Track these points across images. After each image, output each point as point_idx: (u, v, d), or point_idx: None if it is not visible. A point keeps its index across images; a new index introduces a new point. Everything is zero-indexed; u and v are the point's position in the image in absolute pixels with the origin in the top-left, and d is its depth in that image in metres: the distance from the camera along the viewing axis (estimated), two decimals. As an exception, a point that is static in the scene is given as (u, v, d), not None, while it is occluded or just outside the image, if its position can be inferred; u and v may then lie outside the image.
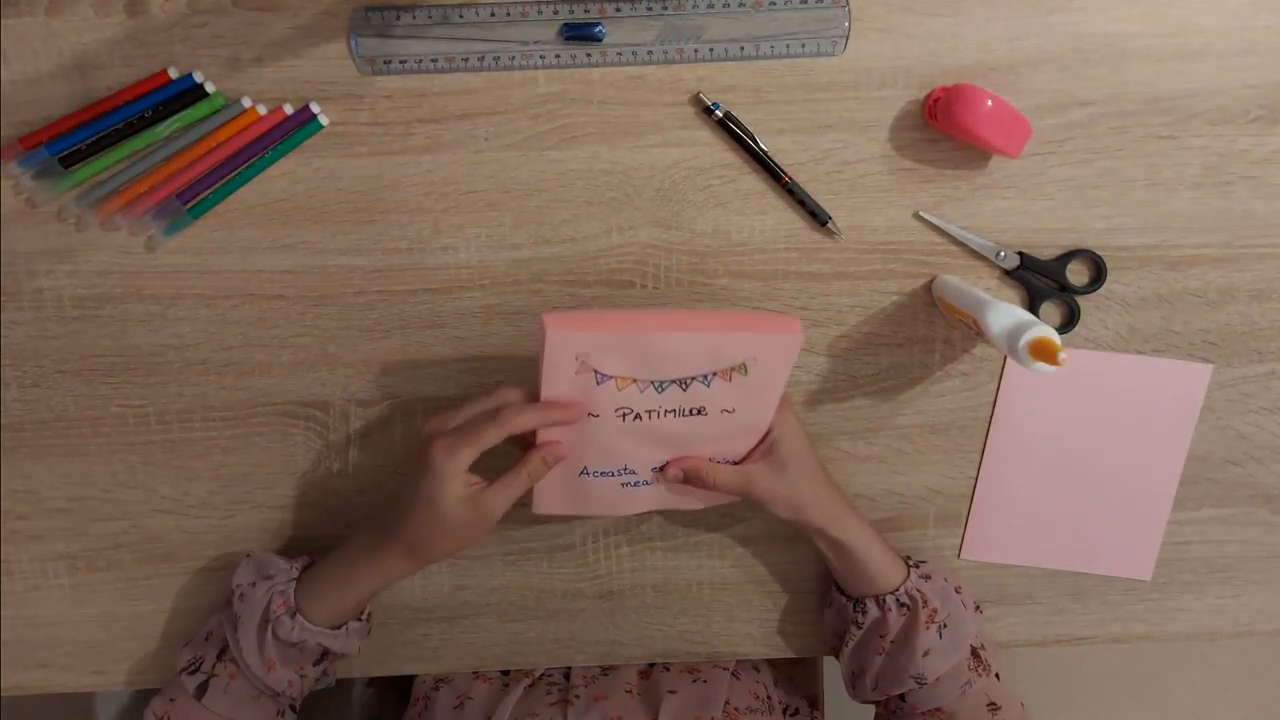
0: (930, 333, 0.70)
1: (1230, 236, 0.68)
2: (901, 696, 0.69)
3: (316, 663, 0.67)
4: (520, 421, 0.58)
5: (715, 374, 0.61)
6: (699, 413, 0.62)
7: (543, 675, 0.78)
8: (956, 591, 0.69)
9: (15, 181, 0.65)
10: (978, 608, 0.71)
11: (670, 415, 0.62)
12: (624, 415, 0.62)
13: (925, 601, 0.67)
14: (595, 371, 0.60)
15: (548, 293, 0.69)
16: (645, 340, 0.59)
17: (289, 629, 0.63)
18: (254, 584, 0.66)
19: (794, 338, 0.60)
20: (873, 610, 0.68)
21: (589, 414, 0.61)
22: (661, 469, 0.65)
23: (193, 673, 0.66)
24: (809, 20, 0.64)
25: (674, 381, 0.61)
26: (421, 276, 0.68)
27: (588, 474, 0.65)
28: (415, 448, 0.64)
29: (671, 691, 0.73)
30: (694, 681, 0.75)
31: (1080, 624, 0.78)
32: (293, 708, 0.70)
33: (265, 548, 0.74)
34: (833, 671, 0.95)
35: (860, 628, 0.69)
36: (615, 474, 0.65)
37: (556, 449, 0.62)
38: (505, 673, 0.80)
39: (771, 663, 0.85)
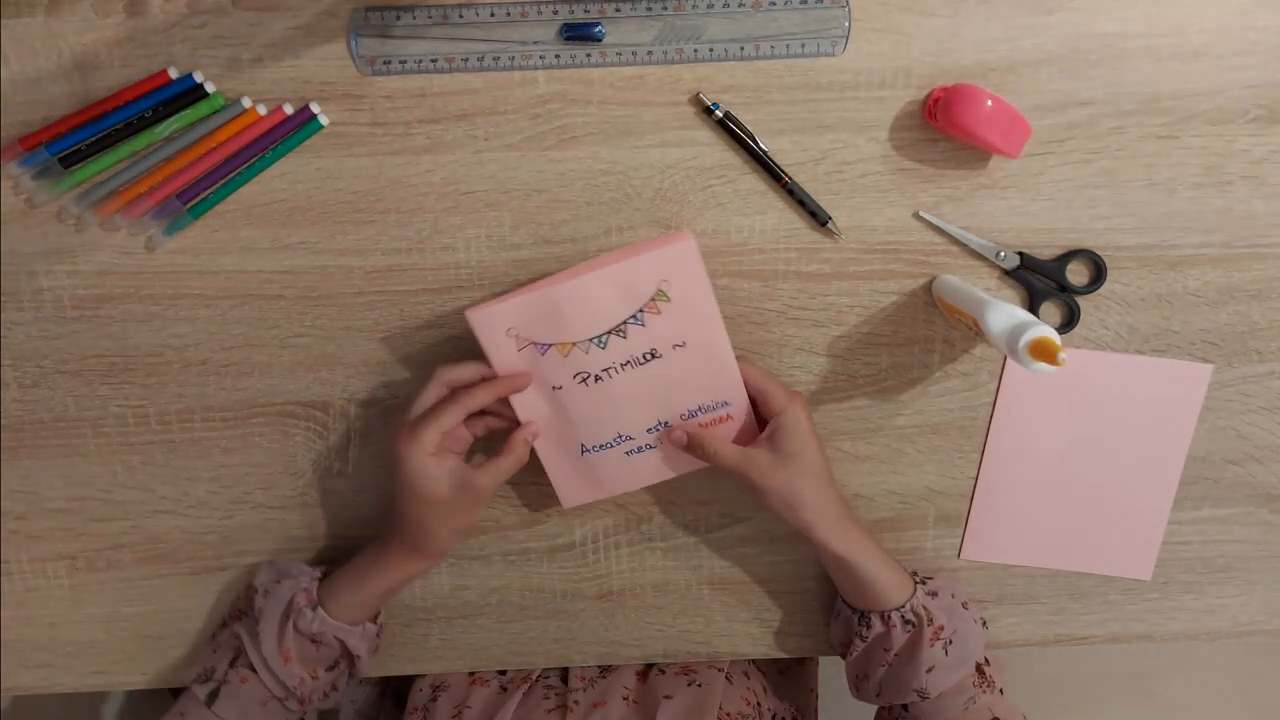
0: (930, 333, 0.70)
1: (1230, 236, 0.68)
2: (905, 706, 0.69)
3: (329, 668, 0.68)
4: (475, 397, 0.62)
5: (641, 311, 0.62)
6: (653, 355, 0.63)
7: (540, 679, 0.78)
8: (964, 608, 0.70)
9: (15, 181, 0.65)
10: (984, 623, 0.71)
11: (628, 367, 0.64)
12: (584, 380, 0.64)
13: (931, 619, 0.67)
14: (533, 344, 0.62)
15: (548, 293, 0.69)
16: (555, 294, 0.61)
17: (309, 620, 0.65)
18: (278, 581, 0.68)
19: (687, 244, 0.60)
20: (877, 625, 0.68)
21: (553, 387, 0.64)
22: (666, 430, 0.66)
23: (204, 682, 0.67)
24: (809, 20, 0.64)
25: (610, 332, 0.62)
26: (421, 276, 0.68)
27: (589, 451, 0.67)
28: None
29: (667, 697, 0.73)
30: (689, 685, 0.75)
31: (1080, 624, 0.78)
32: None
33: (265, 548, 0.74)
34: (828, 675, 0.95)
35: (864, 640, 0.69)
36: (614, 444, 0.67)
37: (533, 426, 0.65)
38: (502, 673, 0.80)
39: (764, 668, 0.85)
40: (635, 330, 0.62)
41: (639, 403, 0.65)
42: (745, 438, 0.68)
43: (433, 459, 0.61)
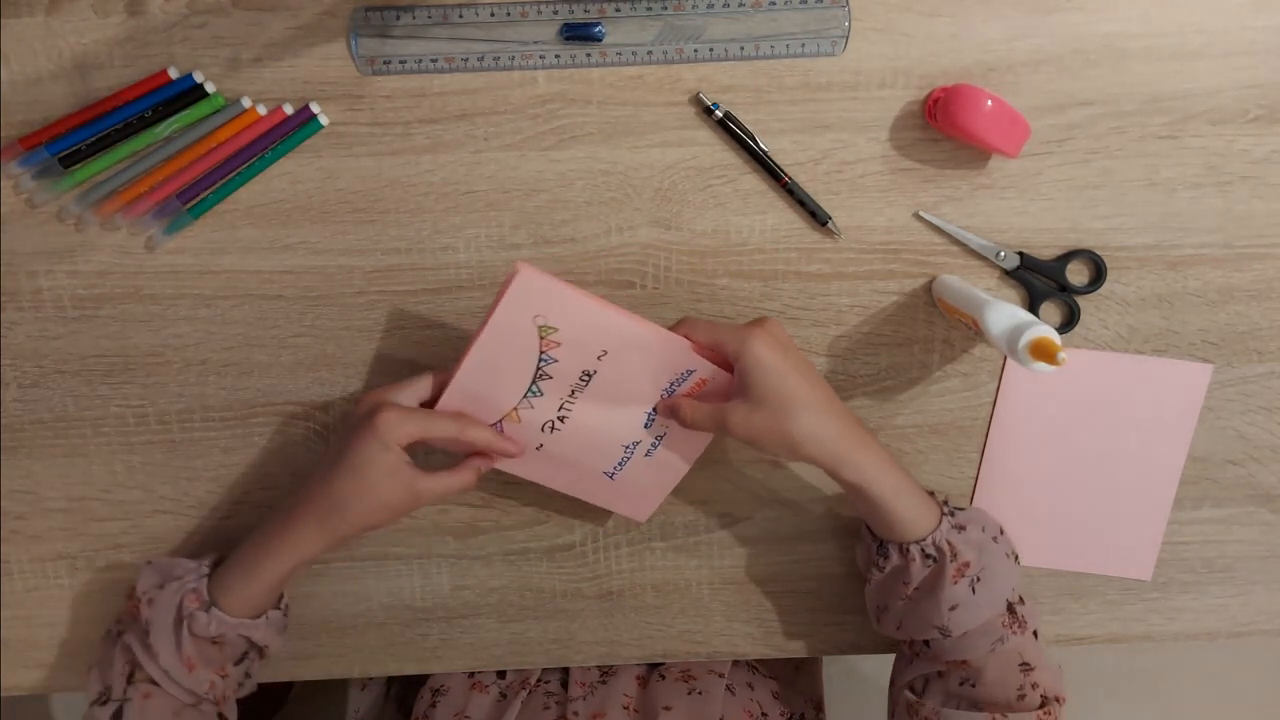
0: (930, 333, 0.70)
1: (1230, 236, 0.68)
2: (926, 642, 0.66)
3: (238, 662, 0.65)
4: (474, 434, 0.60)
5: (543, 353, 0.60)
6: (589, 375, 0.61)
7: (540, 683, 0.78)
8: (995, 542, 0.65)
9: (15, 181, 0.65)
10: (1016, 558, 0.66)
11: (577, 395, 0.62)
12: (552, 428, 0.64)
13: (955, 554, 0.62)
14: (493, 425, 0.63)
15: (548, 293, 0.69)
16: (460, 382, 0.60)
17: (205, 624, 0.61)
18: (160, 586, 0.63)
19: (522, 275, 0.57)
20: (895, 557, 0.63)
21: (536, 448, 0.64)
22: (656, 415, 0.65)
23: (104, 703, 0.63)
24: (809, 20, 0.64)
25: (532, 384, 0.61)
26: (421, 276, 0.68)
27: (617, 472, 0.67)
28: (354, 415, 0.62)
29: (667, 708, 0.73)
30: (690, 694, 0.75)
31: (1080, 624, 0.78)
32: (221, 717, 0.67)
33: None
34: (832, 673, 0.95)
35: (881, 571, 0.65)
36: (629, 455, 0.66)
37: (489, 462, 0.63)
38: (502, 675, 0.80)
39: (768, 678, 0.84)
40: (554, 368, 0.61)
41: (616, 414, 0.64)
42: (730, 392, 0.65)
43: (396, 450, 0.58)
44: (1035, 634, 0.66)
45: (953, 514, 0.65)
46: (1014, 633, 0.63)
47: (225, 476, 0.72)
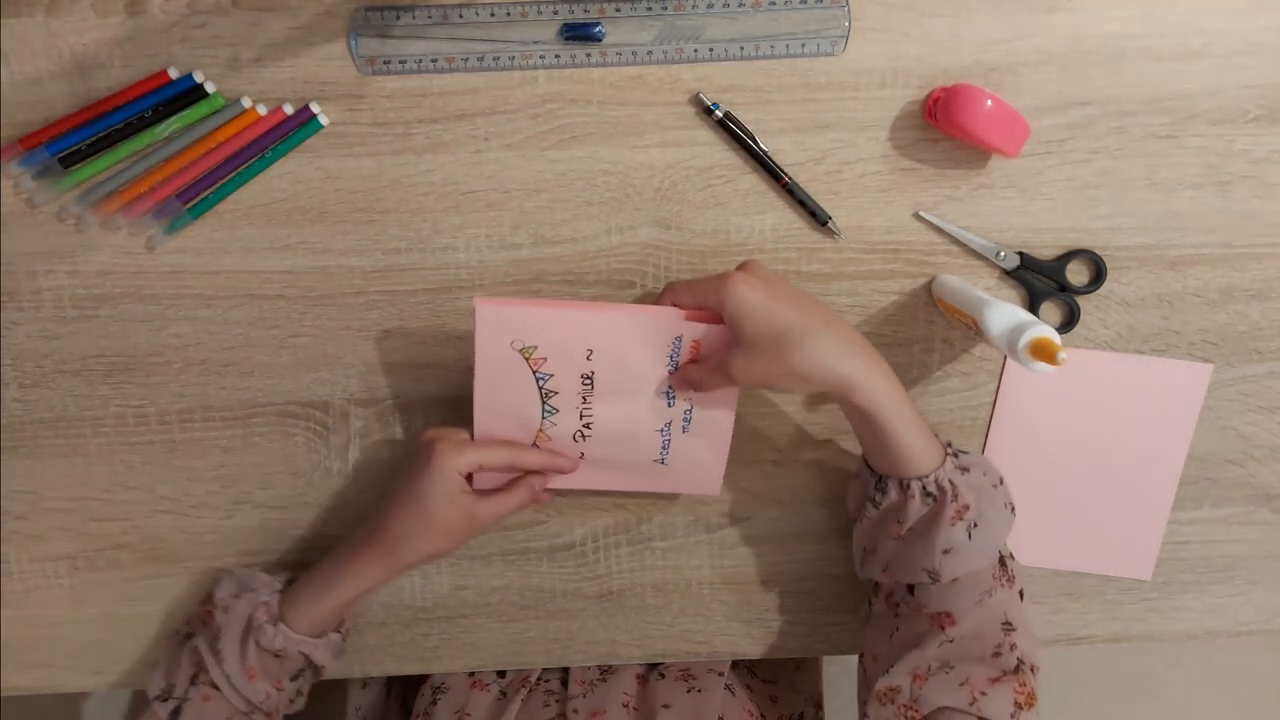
0: (930, 333, 0.70)
1: (1230, 236, 0.68)
2: (910, 589, 0.64)
3: (294, 678, 0.68)
4: (529, 457, 0.65)
5: (534, 373, 0.63)
6: (589, 377, 0.63)
7: (540, 682, 0.78)
8: (994, 489, 0.63)
9: (15, 181, 0.65)
10: (1012, 509, 0.64)
11: (589, 399, 0.64)
12: (582, 435, 0.66)
13: (956, 495, 0.60)
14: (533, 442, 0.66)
15: (548, 293, 0.69)
16: (479, 425, 0.64)
17: (271, 637, 0.64)
18: (237, 596, 0.67)
19: (482, 310, 0.59)
20: (893, 493, 0.61)
21: (580, 456, 0.67)
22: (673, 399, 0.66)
23: (165, 699, 0.66)
24: (809, 20, 0.64)
25: (542, 404, 0.64)
26: (421, 276, 0.68)
27: (664, 456, 0.68)
28: (416, 447, 0.65)
29: (666, 706, 0.73)
30: (689, 692, 0.75)
31: (1080, 624, 0.78)
32: None
33: (265, 548, 0.74)
34: (832, 673, 0.95)
35: (877, 507, 0.63)
36: (666, 435, 0.67)
37: (544, 480, 0.67)
38: (502, 674, 0.80)
39: (767, 680, 0.84)
40: (554, 383, 0.63)
41: (635, 403, 0.65)
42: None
43: (455, 478, 0.62)
44: (1021, 594, 0.64)
45: (956, 455, 0.63)
46: (1002, 586, 0.62)
47: (225, 476, 0.72)
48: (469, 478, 0.64)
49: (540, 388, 0.63)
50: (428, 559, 0.65)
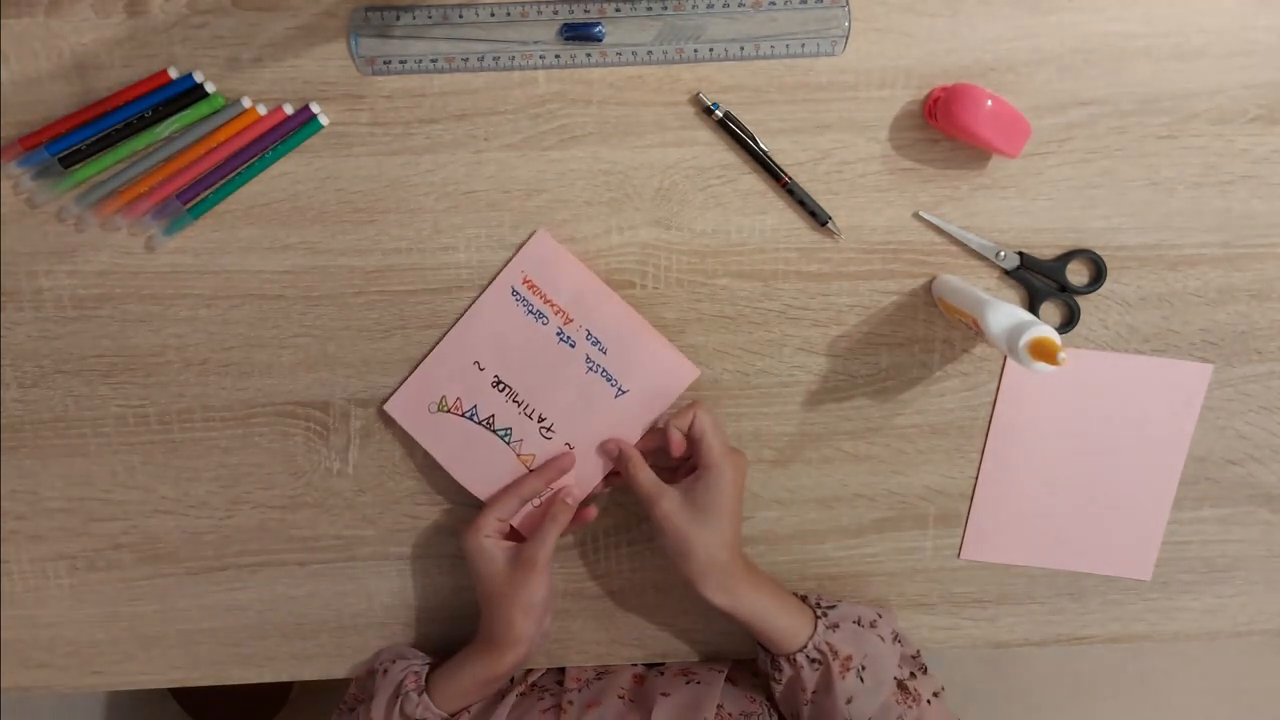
0: (930, 333, 0.70)
1: (1230, 236, 0.68)
2: None
3: None
4: (529, 484, 0.68)
5: (455, 411, 0.69)
6: (500, 381, 0.68)
7: (536, 681, 0.78)
8: (872, 626, 0.69)
9: (15, 181, 0.65)
10: (895, 638, 0.70)
11: (521, 399, 0.69)
12: (548, 433, 0.69)
13: (836, 653, 0.67)
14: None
15: (548, 293, 0.69)
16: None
17: (414, 705, 0.68)
18: (394, 661, 0.72)
19: (387, 407, 0.70)
20: (786, 669, 0.68)
21: (568, 446, 0.69)
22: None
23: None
24: (809, 20, 0.64)
25: (492, 429, 0.69)
26: (421, 276, 0.68)
27: (615, 386, 0.69)
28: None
29: (664, 694, 0.73)
30: (688, 683, 0.75)
31: (1080, 624, 0.78)
32: None
33: (264, 548, 0.74)
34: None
35: (780, 684, 0.69)
36: (601, 370, 0.68)
37: (572, 489, 0.70)
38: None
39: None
40: (482, 411, 0.69)
41: (546, 366, 0.68)
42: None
43: (489, 539, 0.67)
44: (936, 695, 0.69)
45: (825, 614, 0.69)
46: (910, 707, 0.67)
47: (225, 476, 0.72)
48: (513, 538, 0.69)
49: (479, 423, 0.68)
50: (527, 620, 0.67)
